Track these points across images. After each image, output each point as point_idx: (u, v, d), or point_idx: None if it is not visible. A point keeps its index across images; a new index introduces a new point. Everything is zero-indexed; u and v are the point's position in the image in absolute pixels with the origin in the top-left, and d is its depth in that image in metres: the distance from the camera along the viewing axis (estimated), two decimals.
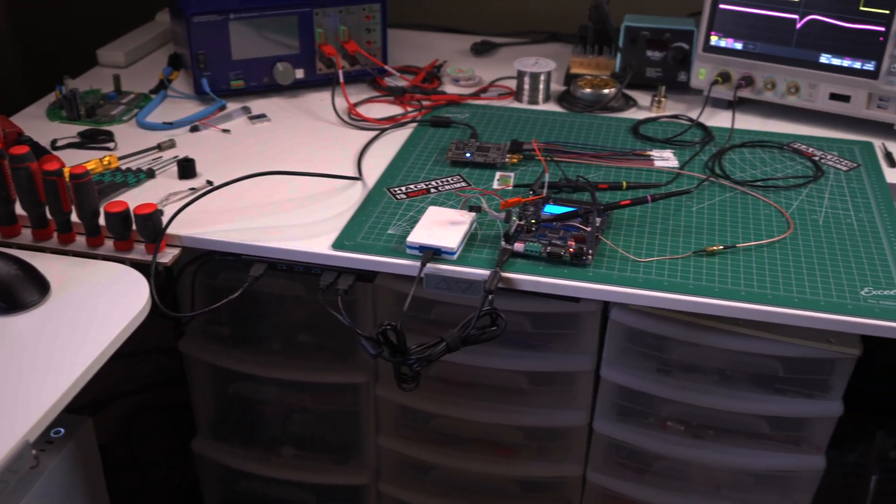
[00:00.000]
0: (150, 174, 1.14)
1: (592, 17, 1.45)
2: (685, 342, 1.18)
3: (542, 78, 1.36)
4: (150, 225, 0.99)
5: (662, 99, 1.34)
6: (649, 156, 1.21)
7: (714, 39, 1.33)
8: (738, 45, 1.31)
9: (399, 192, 1.12)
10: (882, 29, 1.21)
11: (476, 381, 1.31)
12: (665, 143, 1.25)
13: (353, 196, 1.11)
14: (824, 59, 1.26)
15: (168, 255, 1.01)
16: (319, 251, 1.00)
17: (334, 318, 0.96)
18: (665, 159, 1.20)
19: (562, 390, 1.29)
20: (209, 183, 1.12)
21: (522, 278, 0.96)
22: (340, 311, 0.96)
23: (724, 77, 1.33)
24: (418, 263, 0.97)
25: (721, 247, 1.00)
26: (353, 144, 1.24)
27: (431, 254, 0.98)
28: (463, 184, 1.14)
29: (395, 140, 1.26)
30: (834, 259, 0.99)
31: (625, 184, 1.12)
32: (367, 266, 1.00)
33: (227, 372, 1.40)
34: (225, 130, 1.28)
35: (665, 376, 1.23)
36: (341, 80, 1.33)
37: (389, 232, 1.03)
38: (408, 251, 0.99)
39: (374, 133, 1.27)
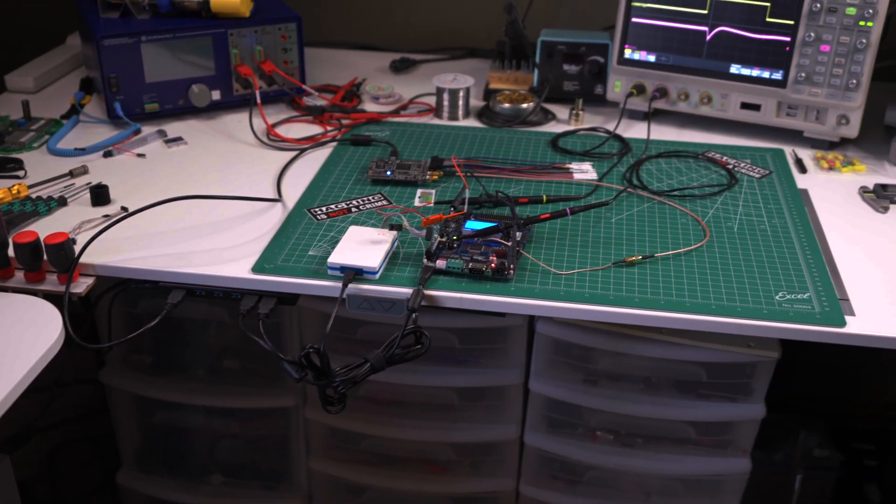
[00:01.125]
0: (62, 202, 1.11)
1: (509, 32, 1.46)
2: (610, 352, 1.19)
3: (461, 94, 1.37)
4: (62, 255, 0.97)
5: (580, 112, 1.36)
6: (568, 168, 1.22)
7: (628, 52, 1.35)
8: (652, 58, 1.34)
9: (320, 212, 1.11)
10: (788, 39, 1.25)
11: (406, 400, 1.31)
12: (584, 156, 1.26)
13: (273, 218, 1.09)
14: (734, 69, 1.29)
15: (82, 285, 0.98)
16: (239, 275, 0.99)
17: (259, 342, 0.94)
18: (584, 171, 1.21)
19: (492, 405, 1.30)
20: (124, 209, 1.10)
21: (445, 295, 0.96)
22: (262, 336, 0.94)
23: (639, 89, 1.35)
24: (340, 284, 0.96)
25: (640, 257, 1.01)
26: (273, 165, 1.23)
27: (353, 274, 0.97)
28: (384, 202, 1.14)
29: (314, 160, 1.25)
30: (749, 265, 1.01)
31: (545, 197, 1.13)
32: (288, 289, 0.99)
33: (151, 401, 1.37)
34: (140, 155, 1.25)
35: (592, 387, 1.24)
36: (258, 100, 1.31)
37: (311, 253, 1.02)
38: (329, 272, 0.98)
39: (293, 153, 1.26)
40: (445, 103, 1.37)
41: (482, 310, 0.97)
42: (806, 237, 1.07)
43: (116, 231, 1.02)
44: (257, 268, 0.99)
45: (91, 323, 1.26)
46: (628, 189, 1.16)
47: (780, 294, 0.96)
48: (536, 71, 1.44)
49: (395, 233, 1.02)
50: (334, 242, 1.03)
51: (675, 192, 1.16)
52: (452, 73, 1.40)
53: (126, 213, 1.06)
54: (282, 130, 1.33)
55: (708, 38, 1.29)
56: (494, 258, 0.99)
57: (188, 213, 1.10)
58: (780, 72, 1.27)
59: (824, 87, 1.24)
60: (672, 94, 1.34)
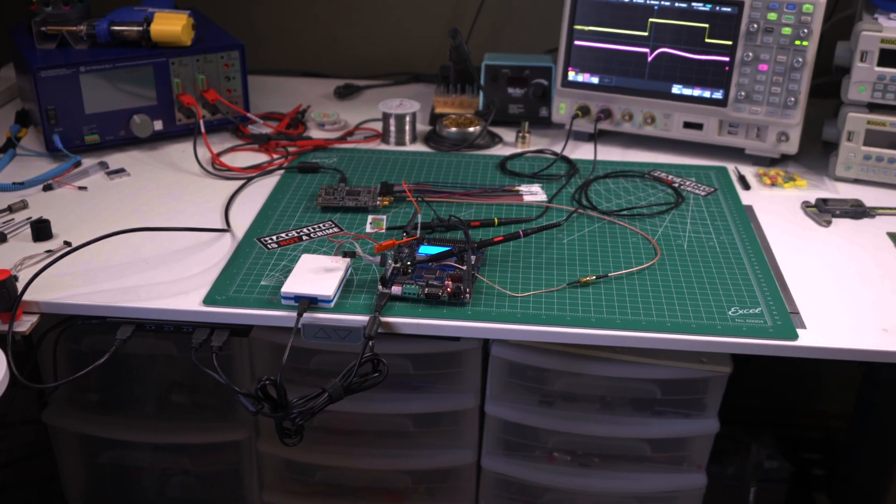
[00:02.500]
0: (2, 238, 1.08)
1: (453, 56, 1.46)
2: (566, 373, 1.19)
3: (408, 119, 1.37)
4: (4, 292, 0.93)
5: (526, 135, 1.37)
6: (518, 191, 1.22)
7: (572, 75, 1.36)
8: (595, 80, 1.35)
9: (270, 241, 1.09)
10: (727, 59, 1.27)
11: (361, 429, 1.29)
12: (532, 178, 1.27)
13: (223, 249, 1.08)
14: (676, 89, 1.31)
15: (26, 324, 0.95)
16: (190, 308, 0.97)
17: (209, 376, 0.92)
18: (533, 193, 1.22)
19: (448, 430, 1.29)
20: (67, 244, 1.07)
21: (402, 321, 0.95)
22: (216, 369, 0.92)
23: (584, 111, 1.36)
24: (294, 314, 0.95)
25: (594, 277, 1.02)
26: (219, 195, 1.21)
27: (307, 303, 0.96)
28: (335, 229, 1.12)
29: (262, 189, 1.23)
30: (701, 282, 1.02)
31: (496, 220, 1.13)
32: (241, 320, 0.97)
33: (98, 440, 1.33)
34: (81, 188, 1.22)
35: (548, 408, 1.24)
36: (202, 129, 1.29)
37: (263, 283, 1.00)
38: (283, 302, 0.96)
39: (240, 182, 1.24)
40: (392, 129, 1.37)
41: (440, 335, 0.96)
42: (754, 252, 1.08)
43: (60, 267, 1.00)
44: (209, 300, 0.97)
45: (34, 362, 1.22)
46: (578, 210, 1.17)
47: (733, 310, 0.97)
48: (482, 94, 1.44)
49: (348, 260, 1.01)
50: (287, 271, 1.01)
51: (625, 212, 1.17)
52: (398, 98, 1.40)
53: (70, 248, 1.03)
54: (227, 159, 1.31)
55: (649, 59, 1.31)
56: (450, 282, 0.98)
57: (135, 246, 1.07)
58: (721, 91, 1.29)
59: (764, 105, 1.27)
60: (616, 115, 1.36)
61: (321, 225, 1.13)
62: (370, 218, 1.15)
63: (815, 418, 1.83)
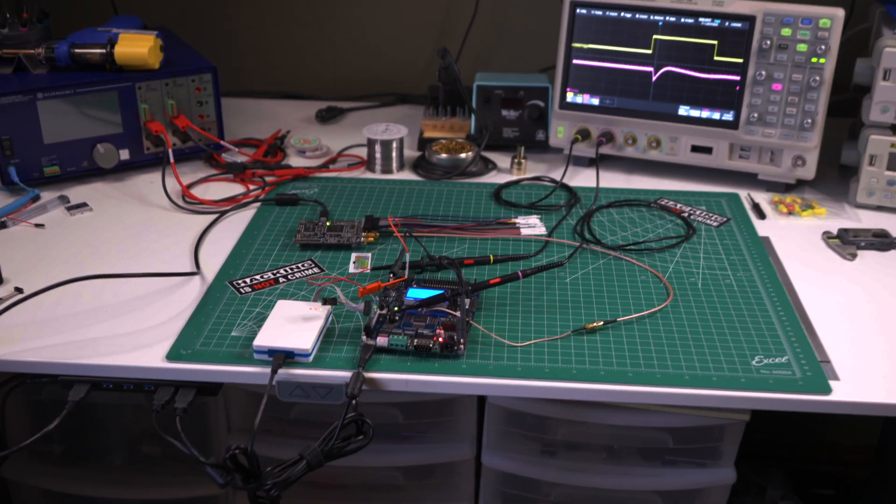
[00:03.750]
0: None
1: (442, 77, 1.37)
2: (569, 421, 1.09)
3: (395, 145, 1.27)
4: None
5: (522, 160, 1.27)
6: (515, 223, 1.13)
7: (570, 96, 1.27)
8: (595, 101, 1.26)
9: (243, 284, 0.99)
10: (738, 78, 1.18)
11: (348, 483, 1.19)
12: (530, 209, 1.17)
13: (191, 293, 0.98)
14: (683, 111, 1.22)
15: None
16: (152, 364, 0.86)
17: (176, 444, 0.82)
18: (532, 226, 1.12)
19: (441, 483, 1.19)
20: (18, 290, 0.97)
21: (389, 377, 0.85)
22: (180, 436, 0.82)
23: (584, 134, 1.27)
24: (268, 370, 0.85)
25: (601, 322, 0.92)
26: (189, 231, 1.11)
27: (283, 357, 0.86)
28: (315, 269, 1.02)
29: (236, 223, 1.13)
30: (719, 326, 0.93)
31: (492, 258, 1.04)
32: (208, 377, 0.87)
33: (61, 496, 1.22)
34: (38, 225, 1.12)
35: (550, 458, 1.14)
36: (171, 159, 1.19)
37: (233, 334, 0.90)
38: (255, 356, 0.86)
39: (212, 217, 1.14)
40: (378, 155, 1.27)
41: (432, 391, 0.86)
42: (775, 291, 0.99)
43: (10, 317, 0.90)
44: (173, 355, 0.87)
45: None
46: (583, 245, 1.07)
47: (757, 359, 0.87)
48: (473, 117, 1.35)
49: (328, 308, 0.91)
50: (260, 320, 0.91)
51: (632, 246, 1.08)
52: (384, 122, 1.31)
53: (21, 297, 0.93)
54: (199, 191, 1.21)
55: (654, 78, 1.22)
56: (442, 331, 0.88)
57: (93, 293, 0.97)
58: (731, 112, 1.20)
59: (778, 127, 1.18)
60: (619, 138, 1.26)
61: (300, 265, 1.03)
62: (354, 256, 1.05)
63: (828, 451, 1.73)
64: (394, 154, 1.27)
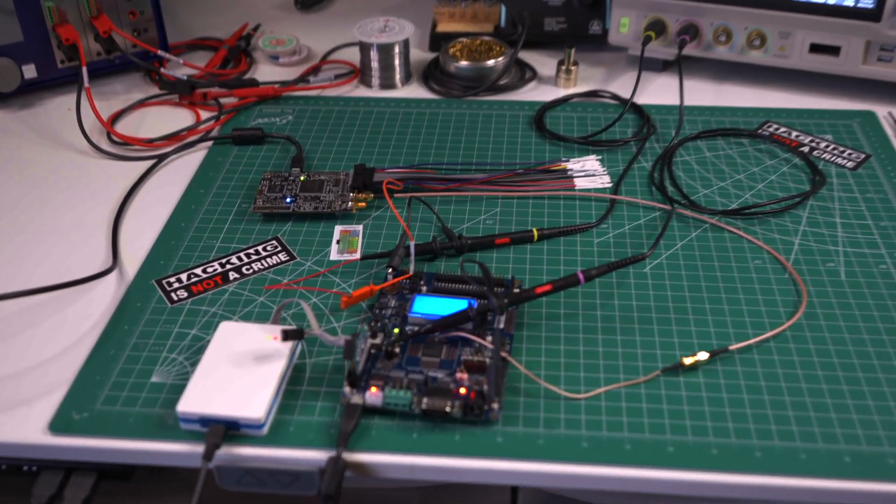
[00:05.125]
0: None
1: None
2: None
3: (397, 50, 0.93)
4: None
5: (572, 67, 0.93)
6: (565, 170, 0.80)
7: None
8: None
9: (177, 285, 0.68)
10: None
11: None
12: (585, 145, 0.84)
13: (100, 303, 0.67)
14: None
15: None
16: (27, 439, 0.57)
17: None
18: (589, 173, 0.79)
19: None
20: None
21: (385, 461, 0.55)
22: None
23: (658, 28, 0.92)
24: (201, 449, 0.55)
25: (706, 355, 0.60)
26: (111, 189, 0.79)
27: (223, 430, 0.56)
28: (281, 254, 0.71)
29: (177, 174, 0.81)
30: (884, 353, 0.61)
31: (535, 232, 0.72)
32: (115, 457, 0.57)
33: None
34: None
35: None
36: (86, 82, 0.86)
37: (153, 381, 0.60)
38: (182, 426, 0.57)
39: (145, 164, 0.82)
40: (374, 64, 0.93)
41: (451, 480, 0.56)
42: None
43: None
44: (59, 424, 0.57)
45: None
46: (674, 210, 0.74)
47: None
48: (503, 7, 0.99)
49: (291, 344, 0.60)
50: (197, 351, 0.61)
51: (736, 213, 0.75)
52: (381, 16, 0.96)
53: None
54: (132, 122, 0.89)
55: None
56: (465, 376, 0.58)
57: None
58: None
59: None
60: (706, 33, 0.91)
61: (260, 248, 0.72)
62: (338, 231, 0.73)
63: None
64: (396, 62, 0.93)
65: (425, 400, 0.57)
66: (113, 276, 0.70)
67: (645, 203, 0.76)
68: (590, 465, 0.54)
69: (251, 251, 0.72)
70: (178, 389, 0.59)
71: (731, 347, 0.61)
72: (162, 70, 0.92)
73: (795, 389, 0.58)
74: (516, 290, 0.65)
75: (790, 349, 0.62)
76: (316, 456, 0.55)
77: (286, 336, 0.59)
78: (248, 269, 0.70)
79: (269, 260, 0.71)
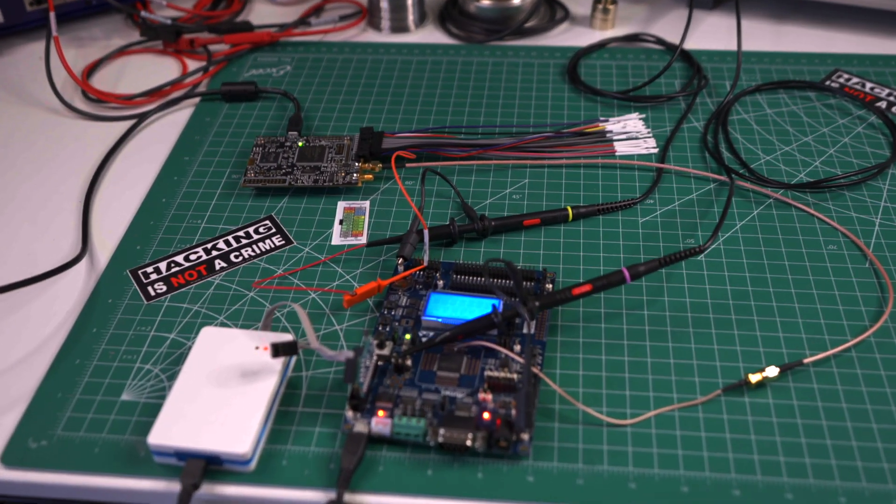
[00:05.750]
0: None
1: None
2: None
3: None
4: None
5: (610, 6, 0.81)
6: (604, 132, 0.69)
7: None
8: None
9: (154, 276, 0.59)
10: None
11: None
12: (626, 101, 0.73)
13: (66, 299, 0.58)
14: None
15: None
16: None
17: None
18: (631, 135, 0.69)
19: None
20: None
21: (391, 503, 0.47)
22: None
23: None
24: (176, 488, 0.47)
25: (776, 370, 0.51)
26: (85, 156, 0.70)
27: (203, 465, 0.47)
28: (276, 237, 0.62)
29: (158, 138, 0.72)
30: None
31: (570, 211, 0.62)
32: (74, 494, 0.49)
33: None
34: None
35: None
36: (54, 31, 0.75)
37: (124, 399, 0.51)
38: (156, 459, 0.48)
39: (122, 126, 0.72)
40: (384, 4, 0.82)
41: None
42: None
43: None
44: (13, 455, 0.49)
45: None
46: (733, 182, 0.64)
47: None
48: None
49: (282, 360, 0.51)
50: (175, 361, 0.52)
51: (805, 186, 0.64)
52: None
53: None
54: (110, 73, 0.79)
55: None
56: (489, 397, 0.49)
57: None
58: None
59: None
60: None
61: (251, 229, 0.62)
62: (341, 209, 0.64)
63: None
64: (409, 1, 0.82)
65: (442, 431, 0.47)
66: (82, 265, 0.60)
67: (697, 173, 0.65)
68: None
69: (241, 233, 0.62)
70: (153, 410, 0.50)
71: (806, 361, 0.51)
72: (143, 13, 0.81)
73: (884, 414, 0.49)
74: (549, 287, 0.55)
75: (875, 361, 0.52)
76: (313, 498, 0.47)
77: (277, 351, 0.49)
78: (236, 257, 0.60)
79: (261, 245, 0.61)
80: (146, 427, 0.50)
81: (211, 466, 0.48)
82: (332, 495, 0.46)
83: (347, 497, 0.46)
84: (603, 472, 0.47)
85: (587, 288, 0.52)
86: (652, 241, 0.60)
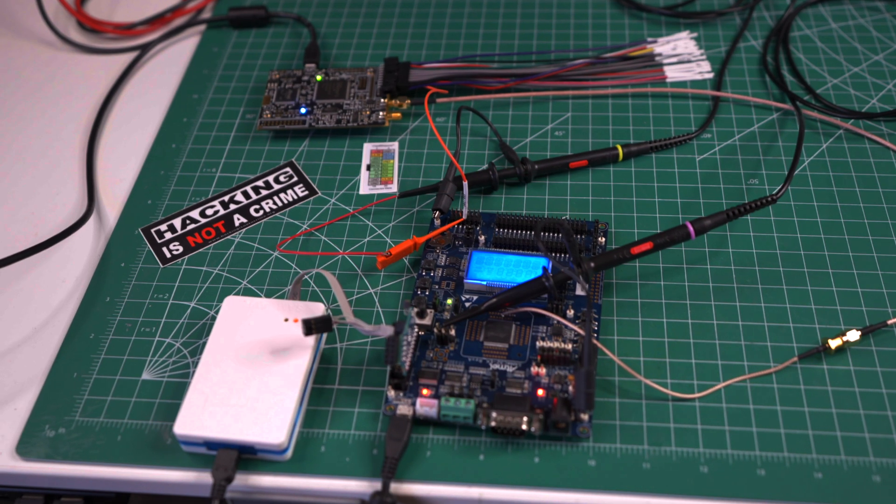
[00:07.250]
0: None
1: None
2: None
3: None
4: None
5: None
6: (653, 56, 0.63)
7: None
8: None
9: (168, 235, 0.54)
10: None
11: None
12: (674, 18, 0.66)
13: (76, 264, 0.54)
14: None
15: None
16: None
17: None
18: (683, 58, 0.62)
19: None
20: None
21: (443, 494, 0.43)
22: None
23: None
24: (208, 478, 0.43)
25: (857, 334, 0.46)
26: (83, 95, 0.64)
27: (236, 455, 0.43)
28: (297, 186, 0.56)
29: (165, 70, 0.66)
30: None
31: (620, 150, 0.56)
32: (99, 486, 0.45)
33: None
34: None
35: None
36: None
37: (145, 378, 0.47)
38: (184, 448, 0.44)
39: (123, 59, 0.66)
40: None
41: None
42: None
43: None
44: (28, 445, 0.45)
45: None
46: (807, 110, 0.58)
47: None
48: None
49: (317, 337, 0.47)
50: (200, 335, 0.48)
51: (879, 116, 0.58)
52: None
53: None
54: (103, 1, 0.72)
55: None
56: (542, 371, 0.45)
57: None
58: None
59: None
60: None
61: (271, 178, 0.57)
62: (367, 151, 0.58)
63: None
64: None
65: (494, 414, 0.43)
66: (90, 224, 0.55)
67: (758, 101, 0.59)
68: (712, 501, 0.41)
69: (260, 183, 0.57)
70: (177, 390, 0.46)
71: (890, 322, 0.47)
72: None
73: None
74: (601, 241, 0.50)
75: None
76: (356, 488, 0.43)
77: (310, 329, 0.45)
78: (257, 211, 0.55)
79: (283, 196, 0.56)
80: (171, 410, 0.46)
81: (244, 455, 0.44)
82: (376, 485, 0.43)
83: (394, 486, 0.43)
84: (671, 454, 0.43)
85: (647, 246, 0.47)
86: (712, 182, 0.55)
